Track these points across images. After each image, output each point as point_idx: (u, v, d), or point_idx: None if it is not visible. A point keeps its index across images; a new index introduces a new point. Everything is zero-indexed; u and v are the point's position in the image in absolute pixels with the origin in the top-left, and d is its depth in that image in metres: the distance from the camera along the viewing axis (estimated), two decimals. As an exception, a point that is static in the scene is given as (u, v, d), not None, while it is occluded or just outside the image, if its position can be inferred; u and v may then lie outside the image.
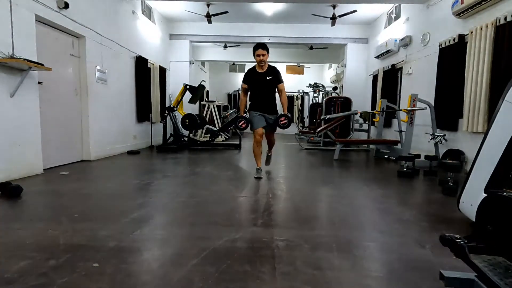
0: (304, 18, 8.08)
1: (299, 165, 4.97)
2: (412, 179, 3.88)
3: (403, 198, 3.06)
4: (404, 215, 2.43)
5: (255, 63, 3.77)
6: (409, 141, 4.92)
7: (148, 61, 7.12)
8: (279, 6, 7.41)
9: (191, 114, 7.02)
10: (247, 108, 3.98)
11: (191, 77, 8.98)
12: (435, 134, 4.67)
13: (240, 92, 3.91)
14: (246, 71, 3.87)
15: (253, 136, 3.76)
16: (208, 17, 7.40)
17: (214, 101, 9.45)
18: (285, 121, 3.72)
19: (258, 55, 3.63)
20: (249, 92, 3.88)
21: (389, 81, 7.19)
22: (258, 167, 3.82)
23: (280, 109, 3.89)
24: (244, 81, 3.83)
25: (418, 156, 4.45)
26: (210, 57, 12.05)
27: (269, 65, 3.77)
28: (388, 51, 7.01)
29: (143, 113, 6.90)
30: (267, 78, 3.70)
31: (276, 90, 3.84)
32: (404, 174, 3.95)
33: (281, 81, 3.77)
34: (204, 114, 8.64)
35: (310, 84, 11.12)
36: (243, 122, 3.82)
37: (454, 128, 4.80)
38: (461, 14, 4.55)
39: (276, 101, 3.91)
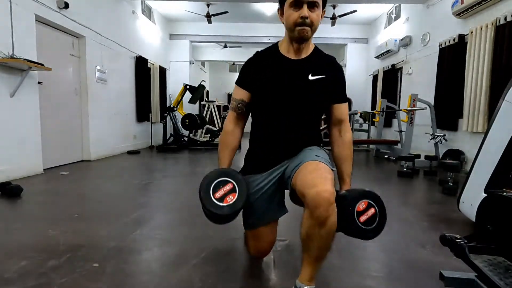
0: (304, 18, 8.07)
1: (299, 165, 4.97)
2: (412, 179, 3.88)
3: (403, 198, 3.06)
4: (404, 215, 2.43)
5: (278, 41, 1.41)
6: (409, 141, 4.92)
7: (148, 61, 7.13)
8: (279, 6, 7.40)
9: (191, 114, 7.02)
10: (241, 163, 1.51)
11: (191, 77, 8.98)
12: (435, 134, 4.68)
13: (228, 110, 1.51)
14: (246, 61, 1.43)
15: (248, 249, 1.56)
16: (208, 17, 7.40)
17: (214, 101, 9.45)
18: (374, 211, 1.18)
19: (299, 3, 1.22)
20: (249, 117, 1.48)
21: (389, 81, 7.19)
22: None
23: None
24: (240, 84, 1.40)
25: (418, 156, 4.45)
26: (210, 57, 12.05)
27: (316, 48, 1.40)
28: (388, 51, 7.02)
29: (143, 113, 6.90)
30: (310, 77, 1.32)
31: (325, 118, 1.46)
32: (404, 174, 3.95)
33: (344, 98, 1.40)
34: (204, 114, 8.64)
35: (310, 84, 11.10)
36: (231, 189, 1.21)
37: (454, 128, 4.80)
38: (461, 14, 4.55)
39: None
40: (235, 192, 1.21)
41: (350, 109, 7.89)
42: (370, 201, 1.18)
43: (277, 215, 1.44)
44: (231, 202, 1.19)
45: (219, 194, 1.19)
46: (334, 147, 1.38)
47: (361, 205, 1.17)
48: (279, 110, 1.34)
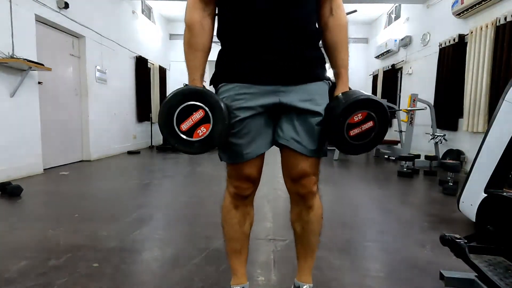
0: (304, 18, 8.08)
1: (299, 165, 4.97)
2: (412, 179, 3.88)
3: (403, 198, 3.06)
4: (404, 215, 2.43)
5: None
6: (409, 141, 4.92)
7: (148, 61, 7.13)
8: (279, 6, 7.41)
9: (191, 114, 7.03)
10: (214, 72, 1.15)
11: (191, 77, 8.98)
12: (435, 134, 4.68)
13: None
14: None
15: (227, 185, 1.14)
16: (208, 17, 7.41)
17: (214, 101, 9.46)
18: (372, 124, 0.92)
19: None
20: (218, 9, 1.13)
21: (389, 81, 7.19)
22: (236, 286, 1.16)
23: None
24: None
25: (418, 156, 4.46)
26: (210, 57, 12.03)
27: None
28: (388, 51, 7.02)
29: (143, 113, 6.90)
30: None
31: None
32: (404, 174, 3.96)
33: None
34: (204, 114, 8.64)
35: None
36: (202, 117, 0.86)
37: (454, 128, 4.80)
38: (461, 14, 4.55)
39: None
40: (209, 121, 0.86)
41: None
42: (370, 113, 0.91)
43: (267, 148, 1.05)
44: (203, 137, 0.86)
45: (186, 125, 0.85)
46: (326, 33, 1.06)
47: (357, 117, 0.91)
48: None
